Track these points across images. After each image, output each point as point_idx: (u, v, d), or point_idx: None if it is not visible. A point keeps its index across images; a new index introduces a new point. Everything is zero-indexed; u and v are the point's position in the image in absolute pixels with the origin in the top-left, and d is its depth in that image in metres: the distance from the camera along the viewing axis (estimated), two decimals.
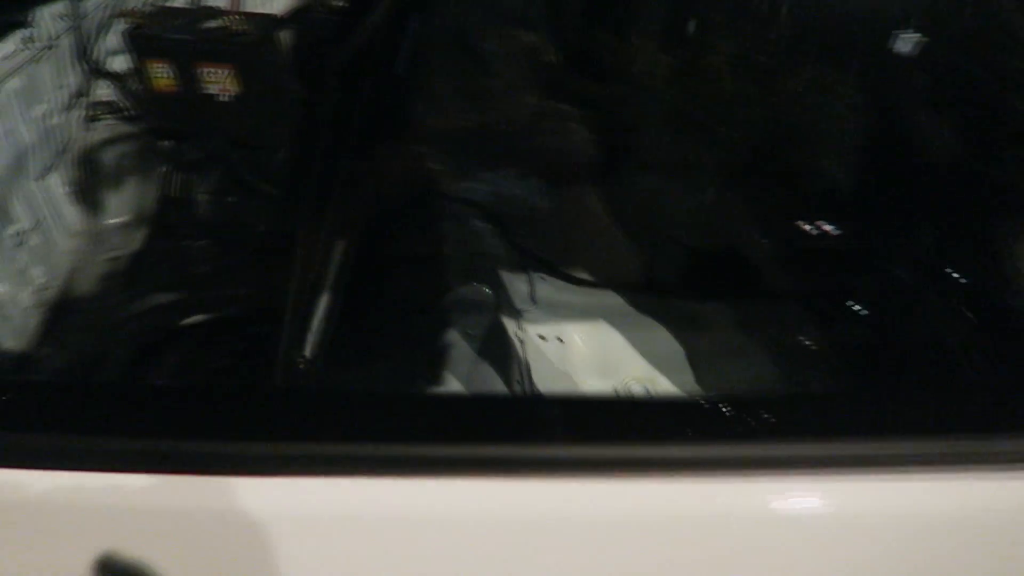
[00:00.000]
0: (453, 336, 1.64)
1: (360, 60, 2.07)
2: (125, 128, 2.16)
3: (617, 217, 2.12)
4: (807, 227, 1.94)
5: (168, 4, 2.34)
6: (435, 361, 1.56)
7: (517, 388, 1.59)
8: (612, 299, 1.90)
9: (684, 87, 2.28)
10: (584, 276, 1.92)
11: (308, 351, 1.38)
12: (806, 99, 2.00)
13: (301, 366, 1.35)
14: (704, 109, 2.20)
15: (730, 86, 2.16)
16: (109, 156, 2.12)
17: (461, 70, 2.48)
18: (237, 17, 2.02)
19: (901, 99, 1.86)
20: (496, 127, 2.32)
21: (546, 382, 1.65)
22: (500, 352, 1.64)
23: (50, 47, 1.90)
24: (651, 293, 1.94)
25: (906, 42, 1.76)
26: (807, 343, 1.77)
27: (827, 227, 1.92)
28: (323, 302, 1.44)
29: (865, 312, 1.79)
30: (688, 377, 1.78)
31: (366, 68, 2.09)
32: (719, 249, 2.03)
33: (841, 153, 1.92)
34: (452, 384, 1.55)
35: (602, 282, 1.92)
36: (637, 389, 1.76)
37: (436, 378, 1.53)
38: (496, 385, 1.57)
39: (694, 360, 1.81)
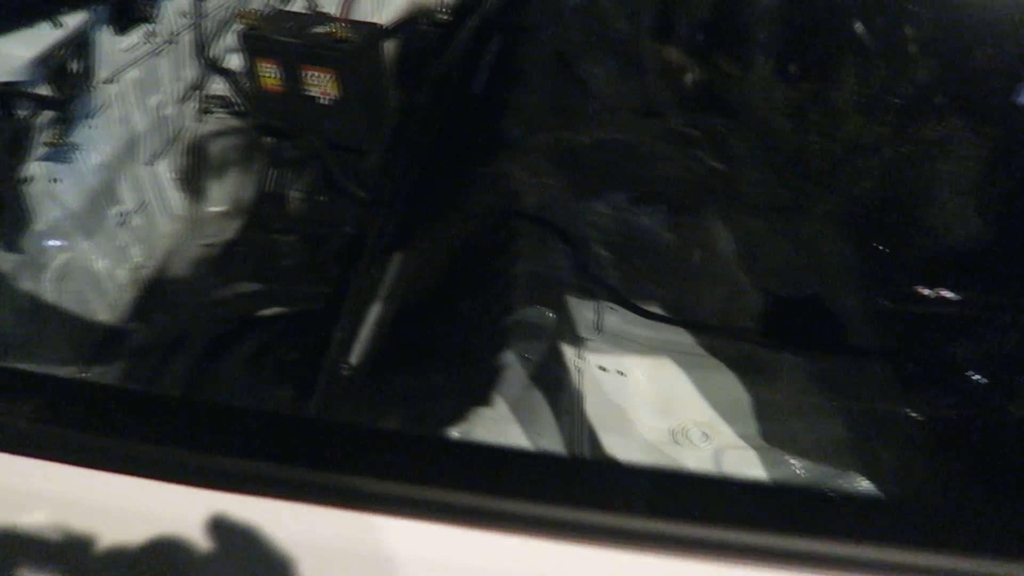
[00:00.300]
0: (509, 357, 1.62)
1: (455, 74, 2.10)
2: (233, 122, 2.28)
3: (702, 252, 2.05)
4: (921, 290, 1.82)
5: (286, 8, 2.46)
6: (486, 380, 1.55)
7: (566, 418, 1.56)
8: (681, 337, 1.83)
9: (803, 124, 2.19)
10: (655, 310, 1.86)
11: (354, 358, 1.40)
12: (935, 150, 1.87)
13: (345, 373, 1.37)
14: (821, 150, 2.10)
15: (854, 127, 2.05)
16: (215, 148, 2.24)
17: (562, 90, 2.47)
18: (343, 24, 2.10)
19: None
20: (590, 148, 2.30)
21: (599, 415, 1.61)
22: (555, 379, 1.61)
23: (170, 42, 2.03)
24: (724, 336, 1.86)
25: None
26: (890, 412, 1.65)
27: (942, 292, 1.79)
28: (375, 310, 1.46)
29: (965, 386, 1.66)
30: (751, 428, 1.69)
31: (461, 83, 2.12)
32: (805, 298, 1.93)
33: (966, 212, 1.79)
34: (500, 407, 1.53)
35: (673, 318, 1.85)
36: (696, 434, 1.69)
37: (484, 398, 1.52)
38: (545, 413, 1.55)
39: (760, 411, 1.71)
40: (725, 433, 1.70)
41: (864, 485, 1.56)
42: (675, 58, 2.46)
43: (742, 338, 1.85)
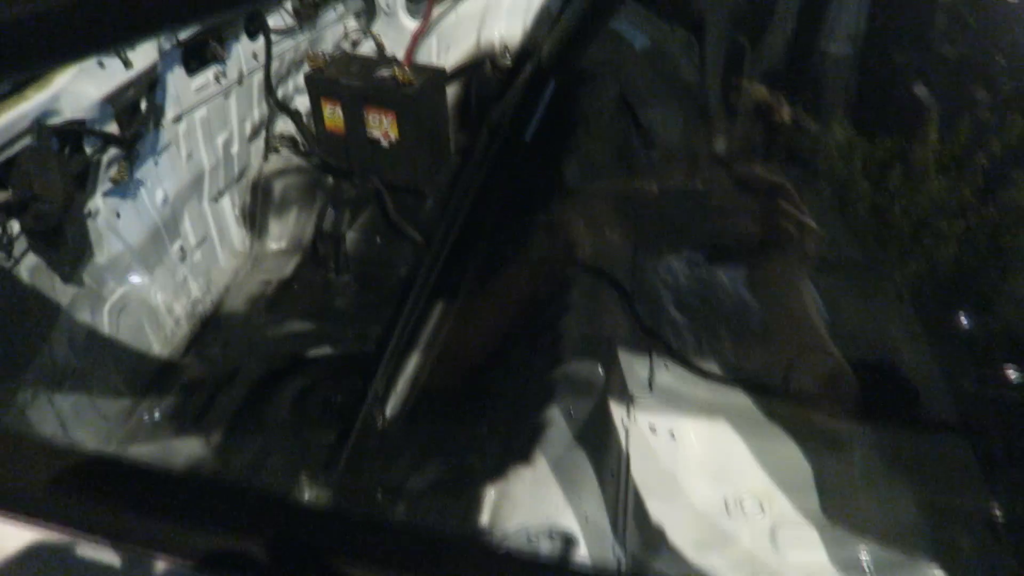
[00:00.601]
0: (553, 414, 1.56)
1: (515, 119, 2.08)
2: (296, 161, 2.32)
3: (767, 310, 1.96)
4: (1009, 371, 1.69)
5: (355, 51, 2.50)
6: (528, 437, 1.49)
7: (611, 481, 1.48)
8: (739, 399, 1.73)
9: (882, 182, 2.08)
10: (712, 368, 1.77)
11: (390, 409, 1.36)
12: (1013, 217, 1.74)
13: (379, 425, 1.33)
14: (901, 211, 1.99)
15: (936, 189, 1.93)
16: (279, 186, 2.28)
17: (624, 136, 2.43)
18: (407, 68, 2.12)
19: None
20: (656, 197, 2.24)
21: (647, 479, 1.53)
22: (600, 439, 1.54)
23: (240, 83, 2.08)
24: (786, 400, 1.75)
25: None
26: (971, 498, 1.51)
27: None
28: (416, 359, 1.43)
29: None
30: (812, 502, 1.57)
31: (519, 128, 2.10)
32: (878, 366, 1.80)
33: None
34: (540, 466, 1.47)
35: (731, 378, 1.76)
36: (751, 505, 1.58)
37: (525, 456, 1.45)
38: (588, 475, 1.48)
39: (824, 485, 1.60)
40: (784, 506, 1.59)
41: None
42: (749, 105, 2.39)
43: (806, 404, 1.74)
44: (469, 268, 1.88)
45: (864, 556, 1.49)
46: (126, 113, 1.66)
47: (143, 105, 1.72)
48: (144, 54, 1.65)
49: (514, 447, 1.50)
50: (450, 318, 1.66)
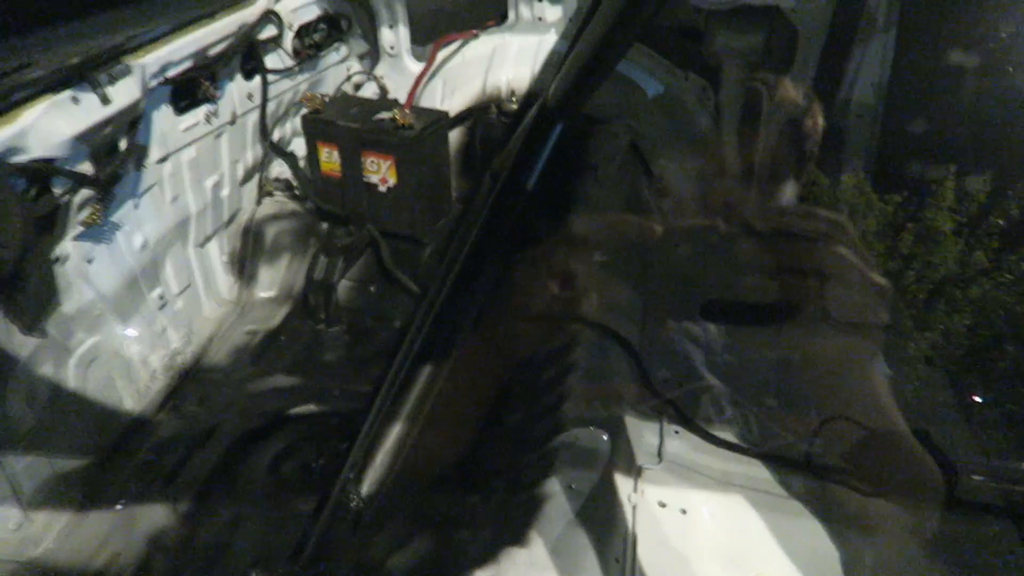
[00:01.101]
0: (553, 487, 1.41)
1: (519, 166, 1.98)
2: (291, 206, 2.22)
3: (782, 378, 1.82)
4: None
5: (357, 93, 2.42)
6: (524, 514, 1.34)
7: (615, 565, 1.33)
8: (757, 471, 1.58)
9: (896, 244, 1.95)
10: (728, 437, 1.62)
11: (367, 486, 1.22)
12: None
13: (353, 505, 1.19)
14: (916, 276, 1.86)
15: (950, 252, 1.81)
16: (271, 231, 2.17)
17: (634, 184, 2.32)
18: (407, 111, 2.02)
19: None
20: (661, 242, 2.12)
21: (655, 563, 1.37)
22: (604, 516, 1.39)
23: (233, 123, 1.99)
24: (809, 474, 1.60)
25: None
26: None
27: None
28: (396, 430, 1.29)
29: None
30: None
31: (523, 175, 1.99)
32: (907, 439, 1.65)
33: None
34: (536, 547, 1.32)
35: (748, 448, 1.61)
36: None
37: (520, 536, 1.30)
38: (589, 558, 1.32)
39: (853, 571, 1.43)
40: None
41: None
42: (762, 158, 2.28)
43: (832, 479, 1.58)
44: (465, 323, 1.76)
45: None
46: (103, 152, 1.56)
47: (123, 144, 1.62)
48: (126, 91, 1.56)
49: (508, 524, 1.35)
50: (442, 377, 1.53)
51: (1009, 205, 1.72)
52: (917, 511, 1.53)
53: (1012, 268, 1.70)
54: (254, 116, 2.09)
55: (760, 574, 1.47)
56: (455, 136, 2.26)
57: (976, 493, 1.53)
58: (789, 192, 2.22)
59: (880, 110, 2.07)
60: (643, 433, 1.59)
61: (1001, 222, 1.73)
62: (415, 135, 1.98)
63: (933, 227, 1.87)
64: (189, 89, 1.84)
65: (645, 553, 1.38)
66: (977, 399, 1.69)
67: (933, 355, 1.81)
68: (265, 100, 2.09)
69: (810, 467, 1.60)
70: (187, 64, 1.77)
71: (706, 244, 2.13)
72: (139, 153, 1.71)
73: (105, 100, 1.50)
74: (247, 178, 2.15)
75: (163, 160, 1.79)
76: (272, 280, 2.16)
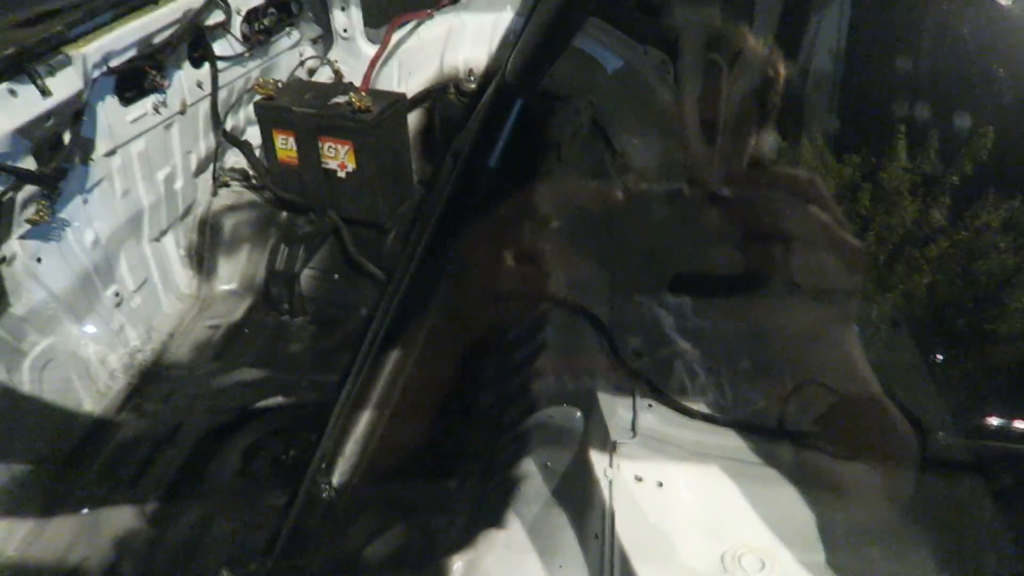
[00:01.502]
0: (528, 467, 1.40)
1: (481, 146, 1.95)
2: (248, 196, 2.16)
3: (754, 346, 1.82)
4: (991, 422, 1.57)
5: (311, 79, 2.37)
6: (500, 496, 1.32)
7: (594, 543, 1.32)
8: (732, 440, 1.58)
9: (855, 207, 1.95)
10: (701, 408, 1.62)
11: (337, 476, 1.20)
12: (999, 239, 1.63)
13: (325, 496, 1.17)
14: (876, 238, 1.86)
15: (908, 212, 1.81)
16: (228, 223, 2.12)
17: (598, 161, 2.30)
18: (364, 94, 1.98)
19: None
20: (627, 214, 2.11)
21: (634, 537, 1.36)
22: (581, 493, 1.38)
23: (183, 113, 1.93)
24: (784, 441, 1.60)
25: None
26: (989, 541, 1.37)
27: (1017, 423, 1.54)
28: (365, 419, 1.26)
29: None
30: (818, 555, 1.42)
31: (485, 155, 1.96)
32: (879, 401, 1.66)
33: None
34: (514, 529, 1.30)
35: (722, 418, 1.61)
36: (751, 562, 1.42)
37: (497, 518, 1.29)
38: (568, 536, 1.31)
39: (829, 535, 1.44)
40: (787, 561, 1.43)
41: None
42: (724, 126, 2.28)
43: (806, 444, 1.59)
44: (432, 307, 1.73)
45: None
46: (46, 147, 1.50)
47: (67, 138, 1.56)
48: (66, 82, 1.50)
49: (485, 507, 1.33)
50: (410, 363, 1.50)
51: (963, 163, 1.73)
52: (891, 473, 1.54)
53: (968, 225, 1.71)
54: (205, 105, 2.03)
55: (746, 545, 1.47)
56: (414, 118, 2.22)
57: (947, 452, 1.54)
58: (754, 151, 2.22)
59: (838, 77, 2.07)
60: (616, 408, 1.57)
61: (955, 180, 1.74)
62: (373, 119, 1.94)
63: (889, 187, 1.87)
64: (135, 79, 1.78)
65: (624, 528, 1.37)
66: (940, 357, 1.70)
67: (897, 316, 1.82)
68: (216, 88, 2.03)
69: (784, 434, 1.61)
70: (131, 53, 1.71)
71: (672, 213, 2.13)
72: (85, 146, 1.64)
73: (45, 92, 1.44)
74: (201, 169, 2.09)
75: (111, 153, 1.73)
76: (232, 272, 2.11)
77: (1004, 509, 1.46)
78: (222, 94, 2.07)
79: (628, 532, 1.38)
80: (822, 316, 1.85)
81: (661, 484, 1.49)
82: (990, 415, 1.57)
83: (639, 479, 1.49)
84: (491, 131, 1.87)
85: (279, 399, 1.79)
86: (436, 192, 1.92)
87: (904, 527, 1.44)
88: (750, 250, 2.01)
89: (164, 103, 1.86)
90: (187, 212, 2.06)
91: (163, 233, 1.97)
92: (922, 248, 1.79)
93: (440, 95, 2.28)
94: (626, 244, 2.07)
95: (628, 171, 2.22)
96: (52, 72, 1.47)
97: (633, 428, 1.57)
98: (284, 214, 2.15)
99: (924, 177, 1.80)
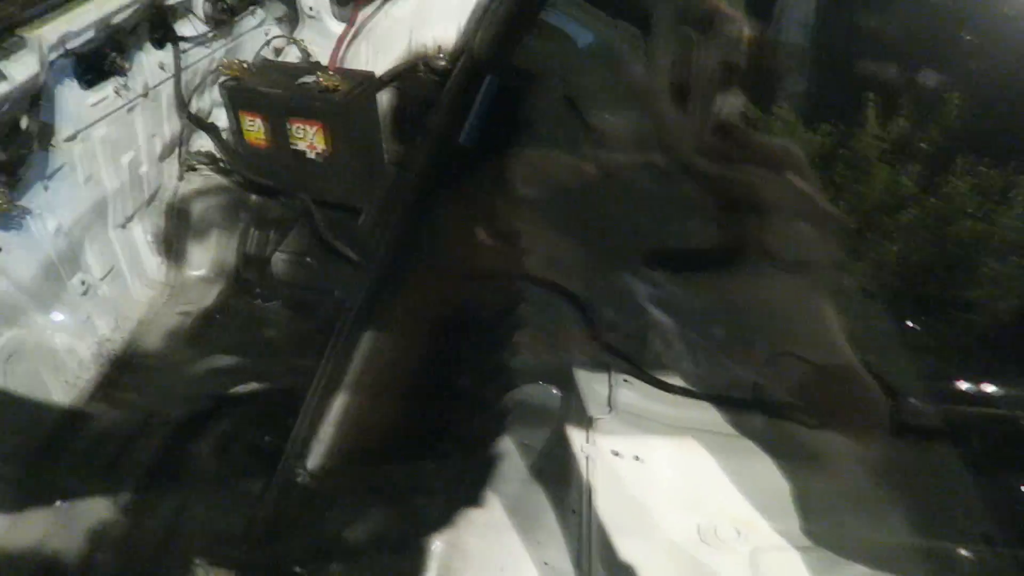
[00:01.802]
0: (506, 445, 1.40)
1: (453, 125, 1.93)
2: (216, 180, 2.13)
3: (727, 316, 1.82)
4: (960, 386, 1.59)
5: (278, 59, 2.32)
6: (478, 475, 1.32)
7: (573, 518, 1.32)
8: (709, 414, 1.59)
9: (828, 176, 1.96)
10: (677, 382, 1.63)
11: (312, 460, 1.19)
12: (969, 206, 1.65)
13: (301, 479, 1.16)
14: (849, 207, 1.87)
15: (880, 179, 1.82)
16: (198, 207, 2.08)
17: (572, 138, 2.29)
18: (332, 74, 1.94)
19: None
20: (605, 203, 2.10)
21: (613, 511, 1.37)
22: (559, 470, 1.38)
23: (145, 95, 1.89)
24: (759, 412, 1.62)
25: None
26: (962, 507, 1.39)
27: (984, 387, 1.56)
28: (340, 402, 1.25)
29: None
30: (794, 524, 1.44)
31: (458, 134, 1.94)
32: (854, 371, 1.67)
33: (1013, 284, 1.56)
34: (493, 508, 1.30)
35: (699, 392, 1.62)
36: (728, 532, 1.44)
37: (475, 498, 1.29)
38: (547, 513, 1.31)
39: (805, 504, 1.46)
40: (763, 530, 1.45)
41: None
42: (697, 98, 2.26)
43: (781, 415, 1.61)
44: (408, 288, 1.72)
45: None
46: (3, 133, 1.46)
47: (24, 123, 1.51)
48: (22, 66, 1.45)
49: (463, 486, 1.33)
50: (386, 343, 1.49)
51: (931, 129, 1.73)
52: (864, 440, 1.56)
53: (938, 192, 1.72)
54: (169, 87, 1.98)
55: (723, 515, 1.48)
56: (384, 98, 2.19)
57: (919, 418, 1.57)
58: (728, 121, 2.21)
59: (808, 45, 2.07)
60: (593, 384, 1.58)
61: (924, 146, 1.74)
62: (342, 98, 1.91)
63: (861, 155, 1.86)
64: (95, 61, 1.73)
65: (602, 503, 1.37)
66: (911, 325, 1.71)
67: (870, 285, 1.83)
68: (179, 70, 1.98)
69: (760, 405, 1.62)
70: (90, 35, 1.66)
71: (647, 186, 2.12)
72: (44, 132, 1.60)
73: None
74: (167, 153, 2.05)
75: (72, 138, 1.68)
76: (202, 258, 2.07)
77: (973, 472, 1.49)
78: (186, 76, 2.02)
79: (606, 507, 1.39)
80: (797, 286, 1.86)
81: (638, 458, 1.50)
82: (961, 380, 1.59)
83: (616, 454, 1.50)
84: (461, 108, 1.86)
85: (254, 385, 1.77)
86: (408, 172, 1.90)
87: (877, 493, 1.46)
88: (726, 222, 2.01)
89: (126, 86, 1.82)
90: (154, 197, 2.02)
91: (129, 219, 1.93)
92: (893, 215, 1.80)
93: (410, 73, 2.24)
94: (602, 219, 2.07)
95: (602, 146, 2.21)
96: (6, 55, 1.42)
97: (610, 403, 1.58)
98: (254, 197, 2.12)
99: (895, 144, 1.81)
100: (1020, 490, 1.46)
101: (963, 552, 1.32)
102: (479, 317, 1.68)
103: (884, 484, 1.49)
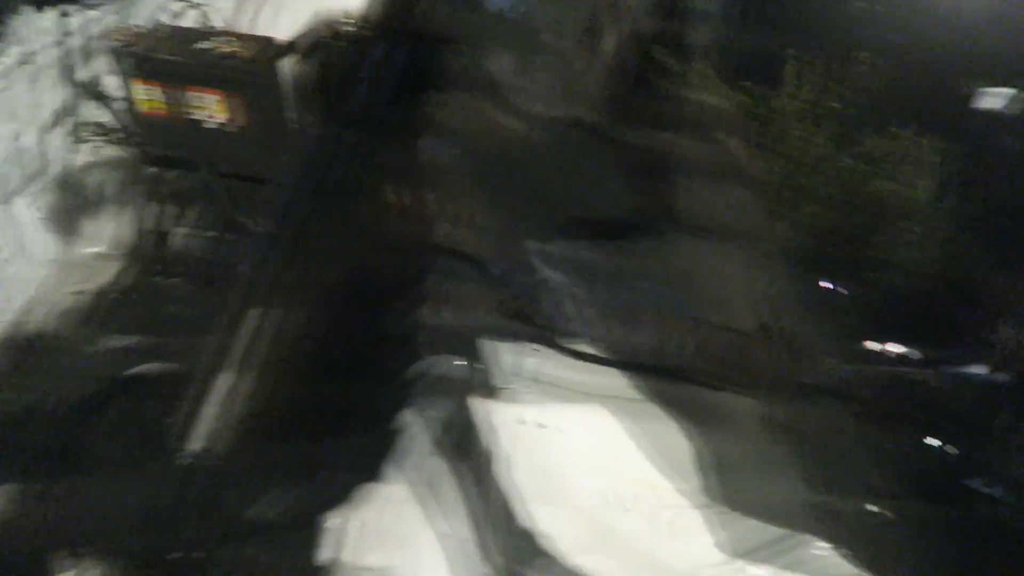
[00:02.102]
0: (409, 419, 1.39)
1: (362, 92, 1.88)
2: (112, 151, 2.03)
3: (636, 282, 1.84)
4: (869, 346, 1.64)
5: (174, 24, 2.22)
6: (380, 451, 1.31)
7: (478, 489, 1.33)
8: (616, 380, 1.62)
9: (746, 135, 1.98)
10: (585, 349, 1.64)
11: (198, 442, 1.16)
12: (884, 165, 1.69)
13: (200, 462, 1.12)
14: (766, 167, 1.90)
15: (797, 138, 1.85)
16: (91, 181, 1.99)
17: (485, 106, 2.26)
18: (232, 38, 1.87)
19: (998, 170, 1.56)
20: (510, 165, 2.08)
21: (520, 480, 1.38)
22: (463, 441, 1.38)
23: (25, 62, 1.78)
24: (665, 376, 1.64)
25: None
26: (851, 462, 1.45)
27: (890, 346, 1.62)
28: (237, 379, 1.22)
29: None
30: (696, 484, 1.48)
31: (367, 101, 1.89)
32: (756, 334, 1.72)
33: (924, 244, 1.62)
34: (396, 482, 1.29)
35: (605, 358, 1.64)
36: (633, 494, 1.47)
37: (375, 473, 1.28)
38: (451, 485, 1.31)
39: (707, 466, 1.50)
40: (667, 491, 1.49)
41: (821, 552, 1.35)
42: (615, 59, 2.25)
43: (685, 379, 1.64)
44: (313, 260, 1.68)
45: (748, 534, 1.41)
46: None
47: None
48: None
49: (363, 462, 1.32)
50: (290, 319, 1.45)
51: (842, 88, 1.76)
52: (766, 401, 1.61)
53: (851, 153, 1.76)
54: (53, 54, 1.87)
55: (628, 478, 1.51)
56: (289, 64, 2.11)
57: (821, 378, 1.62)
58: (646, 82, 2.20)
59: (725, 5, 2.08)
60: (500, 353, 1.58)
61: (836, 105, 1.77)
62: (245, 65, 1.84)
63: (778, 115, 1.89)
64: None
65: (506, 472, 1.38)
66: (825, 285, 1.76)
67: (787, 246, 1.86)
68: (66, 34, 1.87)
69: (666, 370, 1.65)
70: None
71: (564, 151, 2.11)
72: None
73: None
74: (54, 124, 1.94)
75: None
76: (97, 234, 1.98)
77: (867, 428, 1.55)
78: (74, 41, 1.91)
79: (512, 476, 1.40)
80: (711, 251, 1.89)
81: (545, 426, 1.52)
82: (870, 340, 1.65)
83: (523, 422, 1.51)
84: (365, 76, 1.81)
85: (154, 365, 1.71)
86: (315, 140, 1.85)
87: (775, 451, 1.52)
88: (643, 186, 2.03)
89: (3, 53, 1.71)
90: (42, 172, 1.92)
91: (13, 195, 1.83)
92: (809, 176, 1.83)
93: (316, 39, 2.17)
94: (514, 185, 2.05)
95: (516, 111, 2.19)
96: None
97: (517, 372, 1.58)
98: (152, 169, 2.03)
99: (811, 104, 1.84)
100: (912, 445, 1.53)
101: (851, 505, 1.38)
102: (384, 287, 1.66)
103: (782, 442, 1.54)
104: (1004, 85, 1.55)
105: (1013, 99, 1.53)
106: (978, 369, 1.56)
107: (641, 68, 2.18)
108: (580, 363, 1.65)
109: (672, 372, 1.64)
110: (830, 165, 1.81)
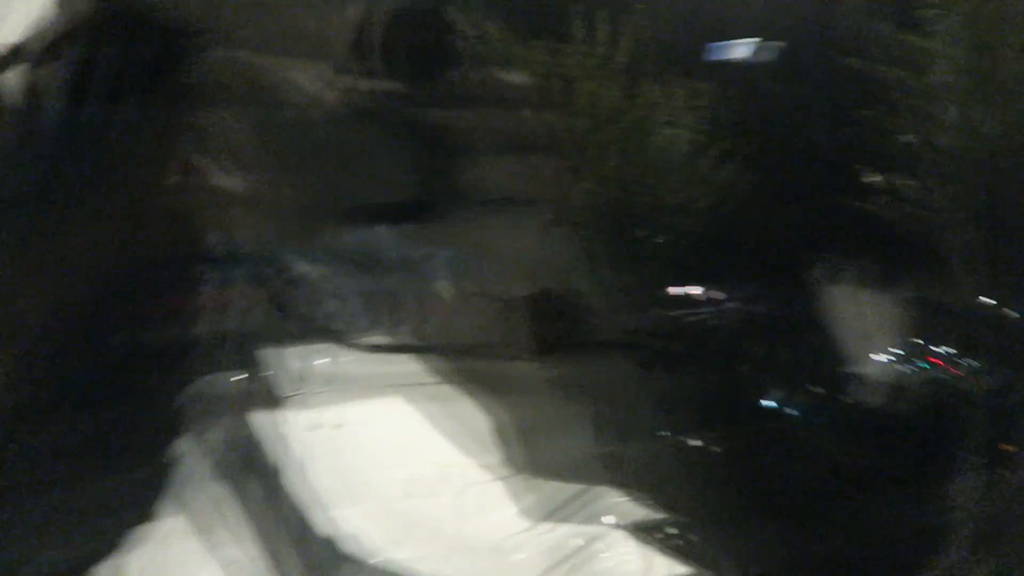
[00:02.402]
0: (183, 445, 1.30)
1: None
2: None
3: (423, 265, 1.82)
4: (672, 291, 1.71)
5: None
6: (149, 487, 1.22)
7: (267, 505, 1.28)
8: (408, 366, 1.60)
9: (542, 95, 1.98)
10: (373, 341, 1.61)
11: None
12: (660, 115, 1.75)
13: None
14: (565, 126, 1.91)
15: (588, 94, 1.87)
16: None
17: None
18: None
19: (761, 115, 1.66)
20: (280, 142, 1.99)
21: (311, 488, 1.34)
22: (248, 459, 1.32)
23: None
24: (458, 355, 1.65)
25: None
26: (633, 410, 1.53)
27: (690, 291, 1.70)
28: None
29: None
30: (495, 457, 1.51)
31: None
32: (539, 295, 1.76)
33: (689, 188, 1.69)
34: (171, 519, 1.21)
35: (394, 344, 1.62)
36: (433, 478, 1.47)
37: (145, 513, 1.19)
38: (234, 508, 1.25)
39: (503, 436, 1.53)
40: (468, 469, 1.50)
41: (617, 501, 1.43)
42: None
43: (477, 355, 1.66)
44: (33, 277, 1.52)
45: (550, 496, 1.47)
46: None
47: None
48: None
49: (136, 502, 1.23)
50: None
51: (627, 40, 1.77)
52: (555, 364, 1.66)
53: (636, 103, 1.79)
54: None
55: (429, 463, 1.51)
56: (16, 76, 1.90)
57: (610, 333, 1.68)
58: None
59: None
60: (283, 359, 1.52)
61: (622, 59, 1.79)
62: None
63: (568, 72, 1.89)
64: None
65: (298, 481, 1.34)
66: (624, 238, 1.81)
67: (589, 203, 1.90)
68: None
69: (456, 348, 1.66)
70: None
71: (350, 135, 2.04)
72: None
73: None
74: None
75: None
76: None
77: (650, 375, 1.63)
78: None
79: (308, 483, 1.36)
80: (499, 223, 1.90)
81: (342, 425, 1.49)
82: (667, 287, 1.72)
83: (318, 426, 1.47)
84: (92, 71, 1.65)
85: None
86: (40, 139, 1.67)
87: (566, 411, 1.57)
88: (435, 166, 2.00)
89: None
90: None
91: None
92: (604, 130, 1.87)
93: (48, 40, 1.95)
94: (299, 173, 1.97)
95: (282, 108, 2.09)
96: None
97: (306, 376, 1.53)
98: None
99: (599, 59, 1.86)
100: (695, 384, 1.63)
101: (634, 450, 1.46)
102: (142, 300, 1.53)
103: (574, 401, 1.59)
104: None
105: (764, 48, 1.61)
106: (763, 307, 1.67)
107: (426, 33, 2.14)
108: (374, 356, 1.62)
109: (463, 350, 1.65)
110: (623, 117, 1.86)
